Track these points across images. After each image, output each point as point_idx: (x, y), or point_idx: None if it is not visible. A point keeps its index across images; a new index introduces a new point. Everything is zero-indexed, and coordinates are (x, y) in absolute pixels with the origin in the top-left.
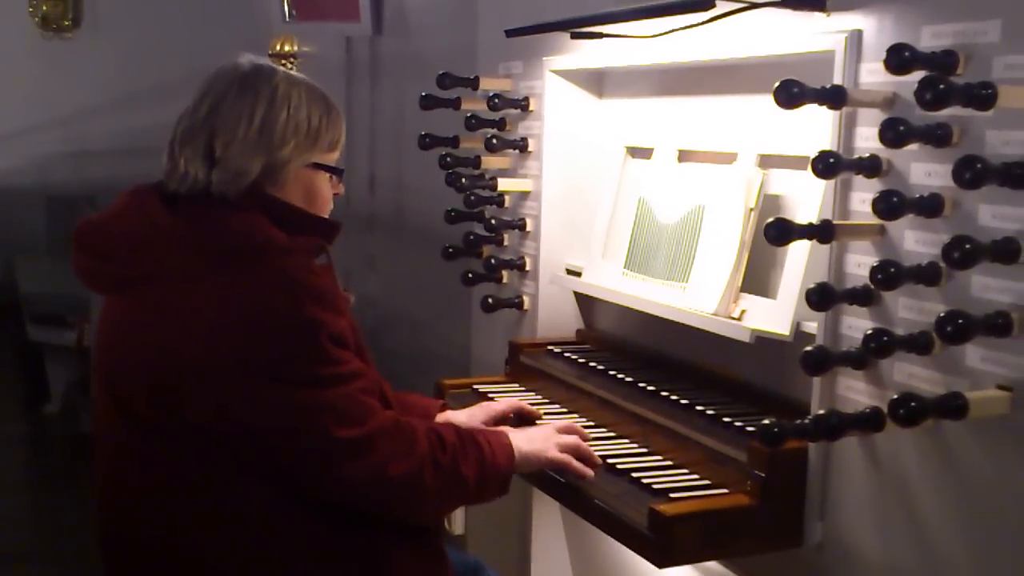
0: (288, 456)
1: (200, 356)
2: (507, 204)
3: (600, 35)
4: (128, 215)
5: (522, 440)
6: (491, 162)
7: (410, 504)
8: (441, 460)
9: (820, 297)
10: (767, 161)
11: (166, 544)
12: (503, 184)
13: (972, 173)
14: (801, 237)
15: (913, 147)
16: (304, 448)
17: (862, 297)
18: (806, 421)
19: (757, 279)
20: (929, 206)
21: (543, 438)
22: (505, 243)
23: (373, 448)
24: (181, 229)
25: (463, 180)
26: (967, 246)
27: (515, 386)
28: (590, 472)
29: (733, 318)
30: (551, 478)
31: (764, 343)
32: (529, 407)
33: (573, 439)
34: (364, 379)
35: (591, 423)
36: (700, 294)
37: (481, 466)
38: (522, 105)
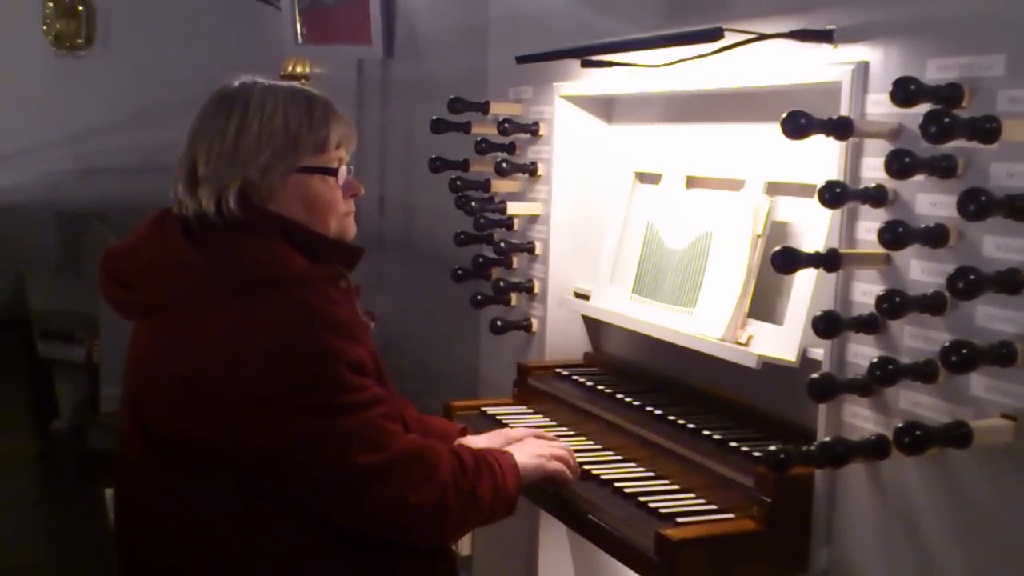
0: (309, 483)
1: (219, 386)
2: (516, 227)
3: (610, 64)
4: (150, 244)
5: (521, 455)
6: (501, 186)
7: (430, 529)
8: (463, 484)
9: (827, 325)
10: (774, 188)
11: (177, 565)
12: (512, 207)
13: (977, 205)
14: (808, 266)
15: (919, 178)
16: (325, 475)
17: (868, 325)
18: (812, 447)
19: (764, 305)
20: (934, 236)
21: (536, 452)
22: (514, 266)
23: (394, 473)
24: (199, 259)
25: (473, 203)
26: (972, 276)
27: (523, 408)
28: (572, 478)
29: (740, 344)
30: (559, 501)
31: (771, 369)
32: (544, 434)
33: (561, 447)
34: (384, 404)
35: (598, 446)
36: (707, 319)
37: (495, 488)
38: (532, 130)
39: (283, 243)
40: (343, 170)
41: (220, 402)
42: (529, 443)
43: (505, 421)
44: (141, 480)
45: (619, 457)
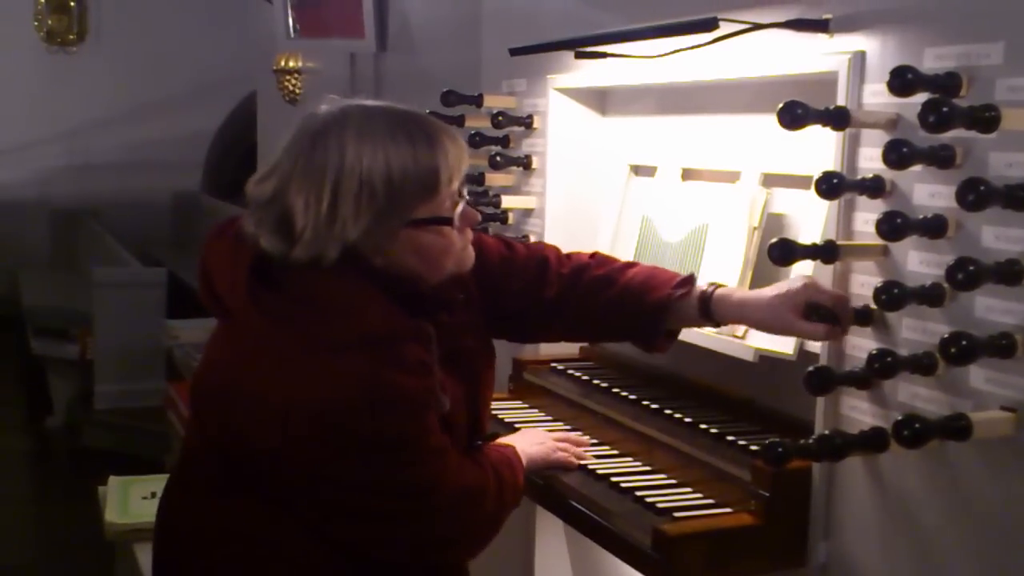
0: (380, 535)
1: (276, 435)
2: (511, 221)
3: (604, 55)
4: (220, 265)
5: (526, 444)
6: (495, 179)
7: (476, 546)
8: (499, 496)
9: (823, 317)
10: (771, 180)
11: (199, 558)
12: (507, 201)
13: (975, 195)
14: (805, 258)
15: (917, 168)
16: (398, 526)
17: (866, 317)
18: (810, 441)
19: None
20: (933, 227)
21: (541, 440)
22: None
23: (456, 508)
24: (260, 318)
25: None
26: (971, 267)
27: (519, 403)
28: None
29: (737, 336)
30: (556, 494)
31: (768, 362)
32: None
33: (565, 436)
34: (440, 457)
35: (594, 441)
36: None
37: (514, 490)
38: (526, 123)
39: (367, 286)
40: (459, 209)
41: (282, 449)
42: (533, 431)
43: (501, 416)
44: (186, 469)
45: (615, 451)
